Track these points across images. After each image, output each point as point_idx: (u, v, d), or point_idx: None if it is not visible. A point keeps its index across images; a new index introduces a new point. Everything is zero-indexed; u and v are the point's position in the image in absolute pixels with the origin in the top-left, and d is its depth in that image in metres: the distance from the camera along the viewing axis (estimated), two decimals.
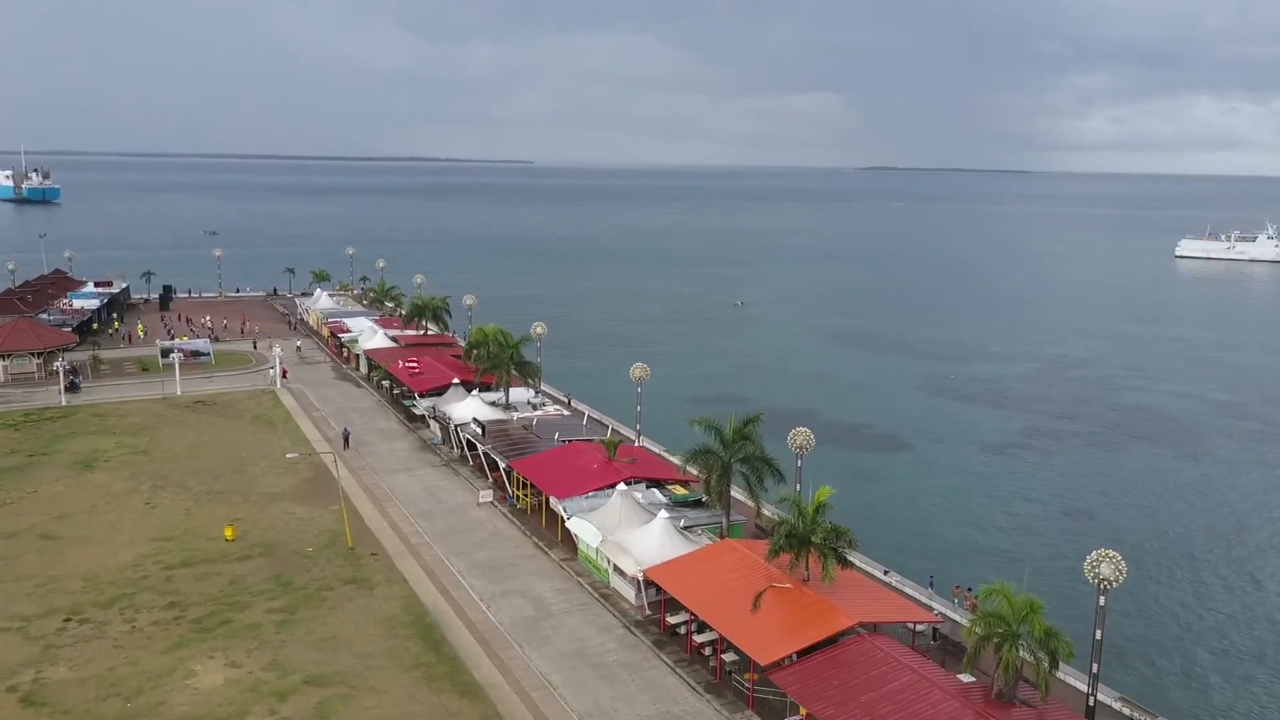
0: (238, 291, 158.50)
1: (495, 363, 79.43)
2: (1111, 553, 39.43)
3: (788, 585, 44.19)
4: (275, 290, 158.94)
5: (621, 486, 56.03)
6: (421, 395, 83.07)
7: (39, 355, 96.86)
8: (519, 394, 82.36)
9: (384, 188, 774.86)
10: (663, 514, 51.74)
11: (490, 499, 65.51)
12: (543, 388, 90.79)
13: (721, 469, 53.89)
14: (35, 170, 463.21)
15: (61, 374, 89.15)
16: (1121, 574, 39.10)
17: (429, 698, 41.77)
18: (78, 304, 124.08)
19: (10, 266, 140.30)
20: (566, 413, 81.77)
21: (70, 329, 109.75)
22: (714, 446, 54.43)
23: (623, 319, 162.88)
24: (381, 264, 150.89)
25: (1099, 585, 39.32)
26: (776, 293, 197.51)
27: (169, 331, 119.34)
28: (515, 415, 76.58)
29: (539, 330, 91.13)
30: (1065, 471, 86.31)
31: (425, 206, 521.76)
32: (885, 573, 55.25)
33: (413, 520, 62.45)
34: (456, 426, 74.74)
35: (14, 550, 56.46)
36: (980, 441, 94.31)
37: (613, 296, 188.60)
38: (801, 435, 56.64)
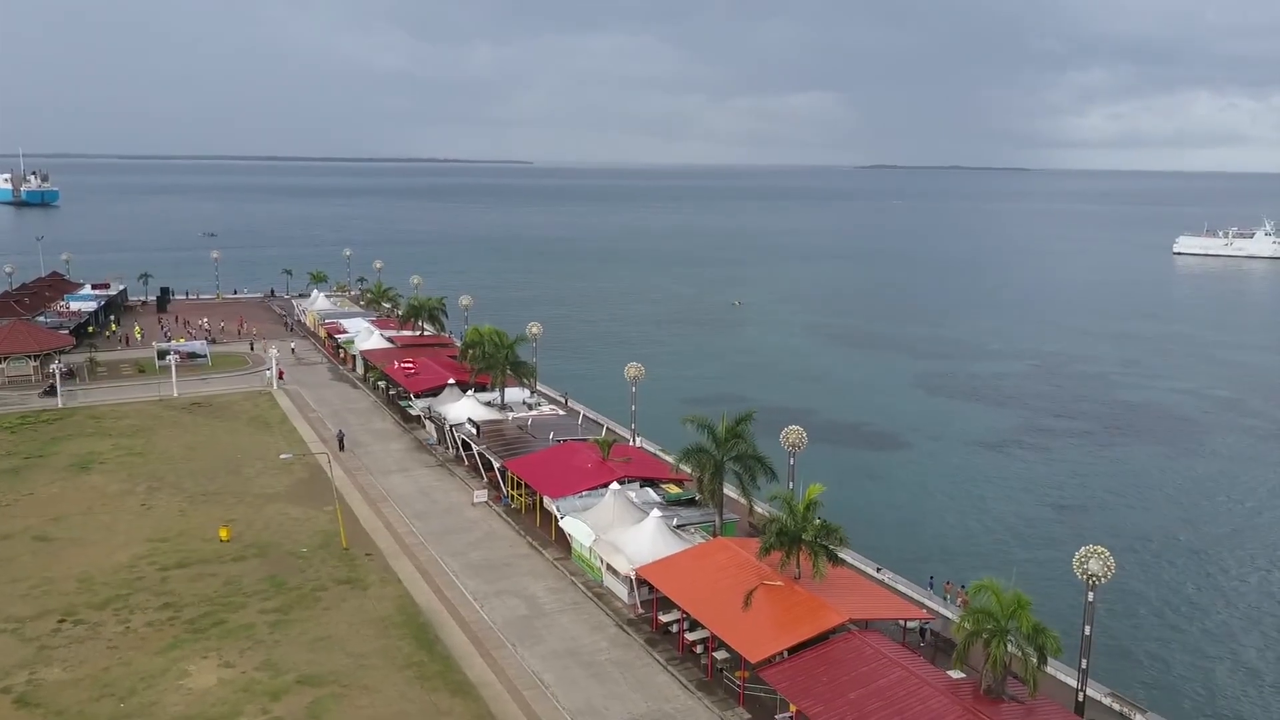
0: (235, 293, 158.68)
1: (490, 363, 79.56)
2: (1100, 549, 39.62)
3: (779, 583, 44.33)
4: (273, 292, 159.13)
5: (614, 486, 56.10)
6: (417, 396, 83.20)
7: (36, 358, 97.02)
8: (515, 394, 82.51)
9: (383, 189, 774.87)
10: (655, 513, 51.92)
11: (485, 499, 65.66)
12: (539, 388, 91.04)
13: (714, 468, 54.06)
14: (34, 173, 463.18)
15: (58, 376, 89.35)
16: (1110, 570, 39.28)
17: (421, 696, 41.93)
18: (75, 306, 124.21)
19: (7, 269, 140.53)
20: (562, 413, 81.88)
21: (67, 331, 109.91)
22: (707, 445, 54.60)
23: (621, 319, 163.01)
24: (379, 265, 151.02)
25: (1088, 581, 39.53)
26: (775, 292, 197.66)
27: (166, 333, 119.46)
28: (510, 415, 76.71)
29: (534, 330, 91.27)
30: (1061, 468, 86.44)
31: (425, 207, 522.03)
32: (878, 570, 55.39)
33: (407, 520, 62.62)
34: (451, 427, 74.88)
35: (9, 552, 56.63)
36: (976, 439, 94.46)
37: (612, 297, 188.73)
38: (794, 433, 56.80)
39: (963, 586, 51.53)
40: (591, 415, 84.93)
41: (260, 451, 75.43)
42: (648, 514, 52.73)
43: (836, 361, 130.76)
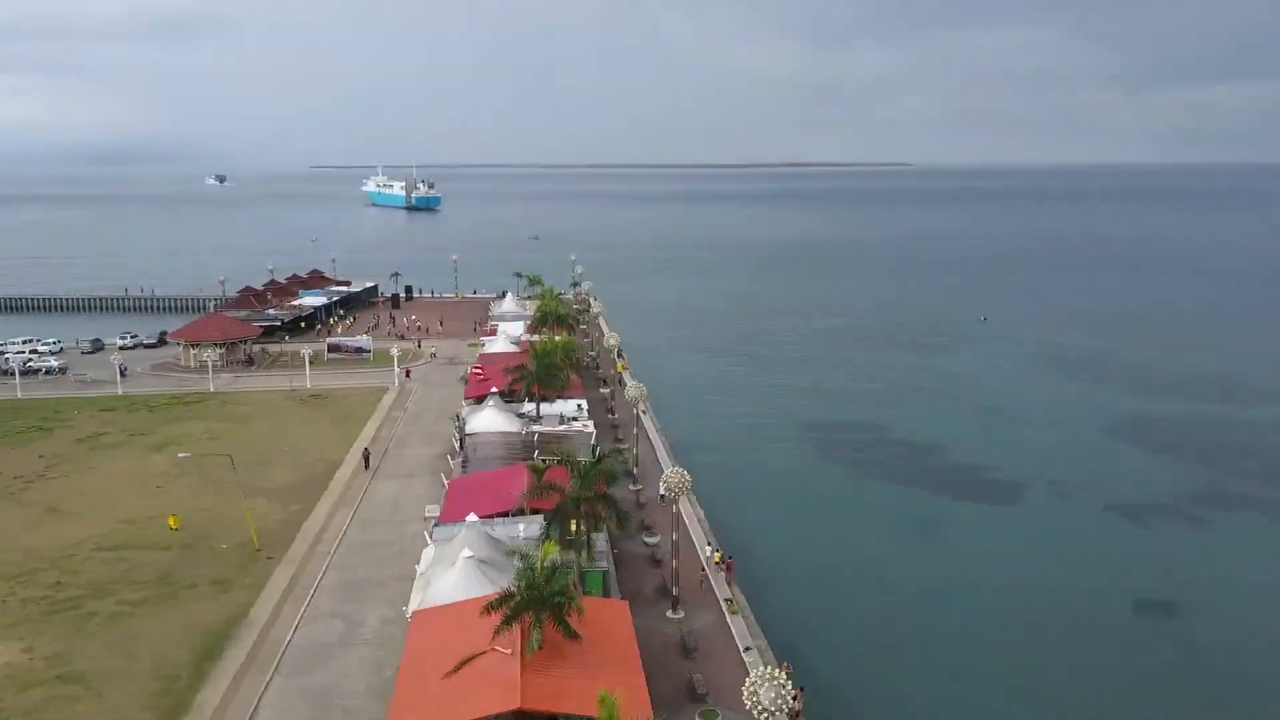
0: (474, 293, 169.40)
1: (528, 374, 77.56)
2: (778, 672, 29.76)
3: (508, 651, 38.32)
4: (504, 293, 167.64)
5: (471, 518, 51.66)
6: (467, 401, 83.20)
7: (221, 346, 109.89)
8: (564, 407, 79.71)
9: (751, 195, 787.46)
10: (465, 552, 47.12)
11: (436, 514, 63.75)
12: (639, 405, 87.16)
13: (561, 506, 48.13)
14: (423, 182, 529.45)
15: (210, 366, 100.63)
16: (787, 700, 29.35)
17: (137, 715, 41.33)
18: (302, 301, 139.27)
19: (269, 267, 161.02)
20: (587, 429, 77.39)
21: (263, 325, 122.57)
22: (561, 486, 48.82)
23: (852, 330, 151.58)
24: (580, 269, 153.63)
25: (758, 715, 29.80)
26: (1042, 306, 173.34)
27: (371, 327, 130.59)
28: (530, 429, 74.04)
29: (612, 342, 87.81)
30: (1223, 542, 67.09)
31: (769, 213, 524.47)
32: (745, 649, 46.17)
33: (346, 527, 62.58)
34: (465, 436, 73.86)
35: (16, 518, 64.10)
36: (1118, 501, 75.95)
37: (859, 302, 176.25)
38: (675, 475, 49.17)
39: (802, 689, 41.26)
40: (652, 435, 79.91)
41: (310, 445, 79.37)
42: (488, 552, 48.07)
43: (1041, 392, 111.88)
